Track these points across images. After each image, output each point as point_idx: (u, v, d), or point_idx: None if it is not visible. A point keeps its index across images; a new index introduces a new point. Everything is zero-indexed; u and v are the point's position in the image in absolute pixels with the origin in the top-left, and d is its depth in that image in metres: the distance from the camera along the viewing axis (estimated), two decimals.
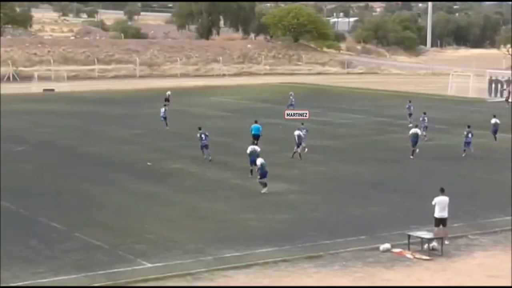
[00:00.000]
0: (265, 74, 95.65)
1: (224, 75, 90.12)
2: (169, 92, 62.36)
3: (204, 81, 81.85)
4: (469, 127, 37.63)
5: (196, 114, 54.31)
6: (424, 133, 41.44)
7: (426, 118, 42.98)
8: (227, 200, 27.52)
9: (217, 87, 75.36)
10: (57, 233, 23.09)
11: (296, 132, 36.30)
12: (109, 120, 50.39)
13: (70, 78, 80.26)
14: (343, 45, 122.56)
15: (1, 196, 27.31)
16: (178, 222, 24.56)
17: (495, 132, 41.90)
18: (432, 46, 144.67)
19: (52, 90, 70.84)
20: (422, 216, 24.06)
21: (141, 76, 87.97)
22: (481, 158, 36.85)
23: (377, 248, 21.36)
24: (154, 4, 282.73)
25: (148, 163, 34.39)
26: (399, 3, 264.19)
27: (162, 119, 46.52)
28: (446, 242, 21.79)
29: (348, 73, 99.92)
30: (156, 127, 45.20)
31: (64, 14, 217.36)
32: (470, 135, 37.14)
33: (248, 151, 31.39)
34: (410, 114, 48.31)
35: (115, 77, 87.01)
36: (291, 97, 54.84)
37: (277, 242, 22.07)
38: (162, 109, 47.55)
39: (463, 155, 37.25)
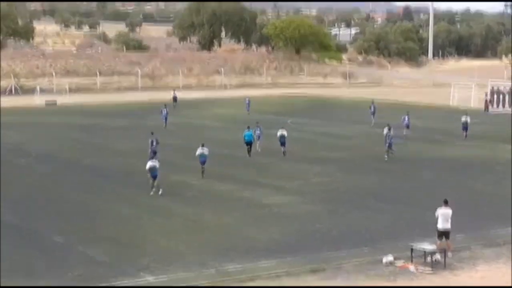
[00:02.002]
0: (267, 85, 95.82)
1: (226, 86, 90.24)
2: (175, 93, 67.08)
3: (206, 93, 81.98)
4: (389, 129, 38.96)
5: (198, 126, 54.38)
6: (405, 132, 47.00)
7: (407, 117, 47.96)
8: (230, 212, 27.53)
9: (219, 99, 75.45)
10: (59, 246, 23.10)
11: (279, 132, 39.89)
12: (111, 132, 50.48)
13: (72, 90, 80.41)
14: (344, 56, 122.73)
15: (2, 208, 27.34)
16: (180, 235, 24.57)
17: (465, 129, 46.48)
18: (433, 56, 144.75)
19: (54, 102, 70.96)
20: (424, 227, 24.06)
21: (143, 88, 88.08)
22: (483, 170, 36.87)
23: (380, 260, 21.34)
24: (156, 16, 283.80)
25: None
26: (400, 13, 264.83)
27: (164, 119, 51.03)
28: (449, 254, 21.75)
29: (350, 84, 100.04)
30: (161, 139, 45.21)
31: (66, 27, 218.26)
32: (389, 135, 38.38)
33: (197, 154, 34.26)
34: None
35: (117, 89, 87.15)
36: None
37: (280, 254, 22.07)
38: (164, 110, 51.53)
39: (386, 158, 38.31)
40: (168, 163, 37.17)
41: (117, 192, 31.06)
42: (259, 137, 41.26)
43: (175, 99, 66.93)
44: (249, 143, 39.69)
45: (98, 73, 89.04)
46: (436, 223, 22.05)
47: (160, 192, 29.99)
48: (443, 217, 21.97)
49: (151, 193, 30.08)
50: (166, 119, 51.95)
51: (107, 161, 38.54)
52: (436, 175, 35.23)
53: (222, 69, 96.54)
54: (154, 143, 36.93)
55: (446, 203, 22.23)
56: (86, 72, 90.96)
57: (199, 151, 34.26)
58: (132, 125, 54.15)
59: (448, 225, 21.93)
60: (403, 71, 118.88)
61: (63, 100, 72.05)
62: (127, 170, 35.94)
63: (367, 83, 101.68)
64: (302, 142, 46.17)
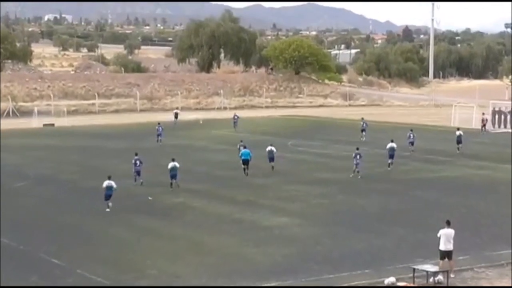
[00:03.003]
0: (267, 107, 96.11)
1: (225, 108, 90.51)
2: (177, 110, 71.93)
3: (205, 114, 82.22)
4: (357, 149, 40.62)
5: (197, 147, 54.52)
6: (411, 148, 49.72)
7: (412, 135, 50.44)
8: (230, 234, 27.54)
9: (219, 120, 75.65)
10: (58, 269, 23.08)
11: (268, 148, 41.91)
12: (110, 154, 50.56)
13: (70, 113, 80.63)
14: (344, 77, 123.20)
15: (1, 231, 27.34)
16: (180, 257, 24.56)
17: (459, 142, 50.32)
18: (434, 77, 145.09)
19: (52, 125, 71.15)
20: (427, 248, 24.07)
21: (141, 110, 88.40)
22: (485, 190, 36.92)
23: (382, 282, 21.33)
24: (155, 38, 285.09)
25: (149, 198, 34.46)
26: (400, 34, 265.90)
27: (157, 135, 54.86)
28: (452, 275, 21.75)
29: (350, 105, 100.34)
30: (157, 161, 45.32)
31: (64, 49, 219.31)
32: (358, 156, 39.77)
33: (169, 167, 36.05)
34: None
35: (116, 111, 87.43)
36: None
37: (281, 276, 22.05)
38: (160, 128, 55.31)
39: (351, 175, 39.52)
40: (165, 185, 37.27)
41: (115, 214, 31.06)
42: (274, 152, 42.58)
43: (176, 115, 71.65)
44: (245, 162, 40.31)
45: (96, 95, 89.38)
46: (439, 244, 22.08)
47: (109, 208, 31.20)
48: (446, 237, 22.00)
49: (107, 209, 31.14)
50: (160, 135, 55.58)
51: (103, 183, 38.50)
52: (438, 196, 35.25)
53: (222, 90, 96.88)
54: (138, 163, 37.65)
55: (448, 223, 22.28)
56: (84, 94, 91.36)
57: (170, 164, 36.27)
58: (130, 147, 54.18)
59: (450, 246, 21.95)
60: (404, 91, 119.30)
61: (61, 122, 72.25)
62: (125, 193, 35.92)
63: (367, 104, 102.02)
64: (303, 163, 46.27)
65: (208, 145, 55.94)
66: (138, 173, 37.57)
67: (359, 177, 39.64)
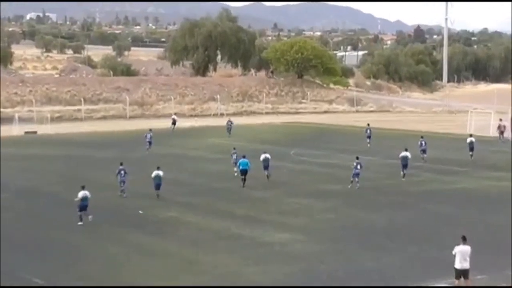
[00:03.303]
0: (267, 113, 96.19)
1: (222, 114, 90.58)
2: (174, 116, 73.87)
3: (201, 121, 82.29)
4: (357, 158, 41.30)
5: (192, 157, 54.55)
6: (422, 156, 50.00)
7: (423, 142, 50.73)
8: (228, 252, 27.53)
9: (215, 127, 75.71)
10: None
11: (263, 156, 42.57)
12: (97, 165, 50.56)
13: (54, 119, 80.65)
14: (351, 81, 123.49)
15: None
16: (173, 276, 24.54)
17: (471, 150, 51.55)
18: (448, 81, 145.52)
19: (35, 132, 71.19)
20: (441, 267, 24.05)
21: (131, 117, 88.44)
22: (504, 203, 36.88)
23: None
24: (146, 38, 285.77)
25: (140, 212, 34.47)
26: (412, 35, 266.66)
27: (147, 143, 56.04)
28: None
29: (357, 111, 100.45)
30: (147, 172, 45.32)
31: (48, 50, 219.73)
32: (359, 166, 40.35)
33: (152, 176, 37.15)
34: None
35: (103, 118, 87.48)
36: None
37: None
38: (149, 135, 56.28)
39: (349, 186, 40.10)
40: (160, 198, 37.27)
41: (103, 229, 31.06)
42: (235, 163, 43.69)
43: (174, 121, 73.13)
44: (244, 172, 40.50)
45: (82, 100, 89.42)
46: (454, 262, 22.07)
47: (89, 218, 31.66)
48: (461, 255, 21.99)
49: (80, 222, 31.53)
50: (150, 143, 56.60)
51: (93, 196, 38.49)
52: (452, 209, 35.26)
53: (218, 95, 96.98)
54: (123, 173, 38.04)
55: (464, 240, 22.27)
56: (69, 99, 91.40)
57: (154, 173, 37.19)
58: (119, 157, 54.17)
59: (466, 264, 21.95)
60: (415, 96, 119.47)
61: (44, 130, 72.27)
62: (114, 206, 35.96)
63: (376, 110, 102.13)
64: (306, 174, 46.30)
65: (203, 155, 55.97)
66: (123, 182, 38.04)
67: (357, 187, 40.04)
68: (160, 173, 37.47)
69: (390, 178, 44.82)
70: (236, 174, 43.64)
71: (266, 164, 42.61)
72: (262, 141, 62.59)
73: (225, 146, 60.24)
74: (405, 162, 43.86)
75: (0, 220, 32.30)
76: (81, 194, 32.17)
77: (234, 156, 45.01)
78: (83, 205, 31.97)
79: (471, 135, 54.08)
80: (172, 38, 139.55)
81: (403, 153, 44.19)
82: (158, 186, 37.35)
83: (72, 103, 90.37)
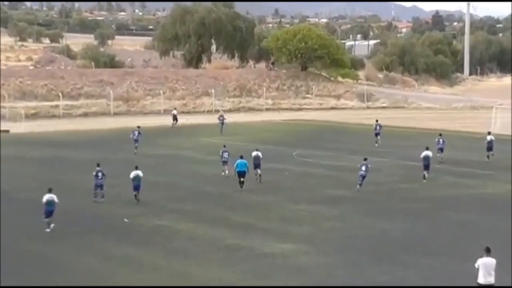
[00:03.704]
0: (267, 109, 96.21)
1: (217, 111, 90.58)
2: (175, 111, 75.28)
3: (193, 119, 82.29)
4: (365, 159, 41.85)
5: (184, 158, 54.58)
6: (440, 156, 50.39)
7: (442, 140, 51.49)
8: (223, 264, 27.52)
9: (209, 126, 75.70)
10: None
11: (254, 153, 43.30)
12: (77, 167, 50.53)
13: (29, 116, 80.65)
14: (361, 74, 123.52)
15: None
16: None
17: (489, 149, 52.36)
18: (470, 73, 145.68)
19: (7, 131, 71.11)
20: (462, 282, 24.03)
21: (116, 114, 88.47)
22: None
23: None
24: (132, 26, 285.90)
25: (125, 220, 34.45)
26: (429, 22, 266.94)
27: (134, 142, 56.39)
28: None
29: (368, 108, 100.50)
30: None
31: (22, 39, 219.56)
32: (363, 167, 41.01)
33: (131, 176, 37.41)
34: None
35: (84, 114, 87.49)
36: None
37: None
38: (136, 132, 56.77)
39: (357, 189, 40.67)
40: (147, 204, 37.26)
41: (84, 240, 31.02)
42: (225, 162, 45.42)
43: (174, 117, 74.91)
44: (241, 174, 40.74)
45: (60, 95, 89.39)
46: (477, 276, 22.06)
47: (50, 228, 31.99)
48: (485, 269, 21.97)
49: (48, 229, 31.83)
50: (136, 141, 56.85)
51: (72, 202, 38.51)
52: (475, 217, 35.26)
53: (213, 90, 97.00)
54: (100, 176, 38.19)
55: (488, 251, 22.25)
56: (45, 94, 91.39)
57: (133, 173, 37.61)
58: (102, 159, 54.15)
59: (491, 279, 21.93)
60: (433, 91, 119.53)
61: (17, 128, 72.24)
62: (96, 213, 35.93)
63: (389, 106, 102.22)
64: (311, 177, 46.31)
65: (196, 155, 55.98)
66: (101, 187, 38.21)
67: (357, 189, 40.75)
68: (140, 173, 37.78)
69: (404, 181, 44.83)
70: (223, 173, 44.98)
71: (257, 162, 43.18)
72: (261, 140, 62.55)
73: (219, 146, 60.15)
74: (427, 162, 44.44)
75: None
76: (46, 197, 32.24)
77: (225, 155, 45.68)
78: (49, 210, 32.06)
79: (489, 133, 54.53)
80: (161, 26, 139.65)
81: (425, 153, 44.67)
82: (137, 188, 37.69)
83: (49, 98, 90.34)
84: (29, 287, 18.60)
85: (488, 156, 52.52)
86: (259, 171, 43.16)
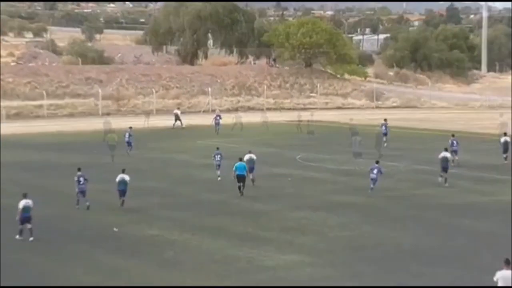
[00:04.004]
0: (268, 109, 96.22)
1: (214, 111, 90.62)
2: (177, 111, 76.22)
3: (189, 119, 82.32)
4: (377, 162, 42.79)
5: (178, 162, 54.59)
6: (452, 158, 48.87)
7: (455, 142, 51.82)
8: (221, 277, 27.53)
9: (206, 127, 75.73)
10: None
11: (247, 156, 43.42)
12: (63, 172, 50.49)
13: (11, 117, 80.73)
14: (370, 71, 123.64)
15: None
16: None
17: (505, 151, 53.33)
18: (488, 70, 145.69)
19: None
20: None
21: (104, 114, 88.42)
22: None
23: None
24: (122, 19, 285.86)
25: (115, 229, 34.46)
26: (444, 14, 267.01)
27: (126, 143, 57.24)
28: None
29: (377, 107, 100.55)
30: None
31: (3, 33, 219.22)
32: (375, 171, 41.85)
33: (117, 180, 38.09)
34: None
35: (71, 115, 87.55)
36: None
37: None
38: (127, 134, 57.45)
39: (369, 193, 41.36)
40: (139, 212, 37.30)
41: (70, 251, 31.04)
42: (219, 165, 46.36)
43: (177, 117, 75.48)
44: (241, 178, 41.13)
45: (44, 94, 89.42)
46: None
47: (21, 237, 32.15)
48: (504, 282, 22.02)
49: (19, 236, 32.27)
50: (129, 143, 57.65)
51: (58, 211, 38.58)
52: (493, 226, 35.25)
53: (210, 88, 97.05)
54: (82, 181, 38.46)
55: (508, 263, 22.30)
56: (28, 93, 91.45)
57: (119, 177, 38.24)
58: (90, 163, 54.25)
59: None
60: (448, 89, 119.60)
61: None
62: (83, 222, 35.95)
63: (400, 106, 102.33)
64: (316, 183, 46.32)
65: (192, 159, 56.00)
66: (83, 193, 38.38)
67: (369, 191, 41.50)
68: (126, 177, 38.15)
69: (417, 187, 44.84)
70: (220, 178, 45.39)
71: (251, 165, 43.34)
72: (262, 143, 62.61)
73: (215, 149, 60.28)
74: (445, 165, 44.79)
75: None
76: (22, 203, 32.59)
77: (218, 158, 46.29)
78: (25, 217, 32.35)
79: (505, 134, 55.32)
80: (154, 19, 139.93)
81: (443, 154, 45.14)
82: (123, 193, 38.09)
83: (32, 97, 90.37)
84: (29, 287, 18.64)
85: (505, 158, 53.09)
86: (251, 175, 43.24)
